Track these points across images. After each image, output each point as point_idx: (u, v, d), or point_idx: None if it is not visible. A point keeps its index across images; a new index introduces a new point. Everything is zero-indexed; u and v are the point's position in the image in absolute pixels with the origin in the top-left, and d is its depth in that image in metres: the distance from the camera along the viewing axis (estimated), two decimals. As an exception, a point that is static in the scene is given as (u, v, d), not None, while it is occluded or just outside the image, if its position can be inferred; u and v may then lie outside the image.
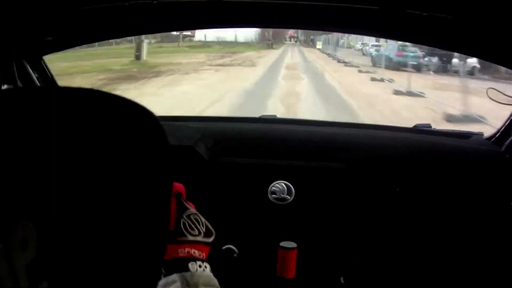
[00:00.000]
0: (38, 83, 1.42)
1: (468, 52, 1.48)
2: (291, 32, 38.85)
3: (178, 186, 0.67)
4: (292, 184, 1.37)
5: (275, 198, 1.36)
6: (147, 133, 0.42)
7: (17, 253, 0.34)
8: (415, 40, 1.55)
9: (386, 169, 1.41)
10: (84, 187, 0.37)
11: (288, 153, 1.44)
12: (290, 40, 41.18)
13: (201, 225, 0.66)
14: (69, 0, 1.07)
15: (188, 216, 0.65)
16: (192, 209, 0.67)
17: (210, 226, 0.68)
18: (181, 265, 0.62)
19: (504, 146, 1.46)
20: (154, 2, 1.14)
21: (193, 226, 0.65)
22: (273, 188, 1.37)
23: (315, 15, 1.22)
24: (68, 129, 0.37)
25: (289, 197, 1.36)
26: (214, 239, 0.69)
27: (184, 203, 0.66)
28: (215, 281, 0.64)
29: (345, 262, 1.40)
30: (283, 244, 1.24)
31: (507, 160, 1.41)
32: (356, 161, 1.41)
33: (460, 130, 1.73)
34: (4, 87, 1.25)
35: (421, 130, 1.66)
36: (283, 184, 1.37)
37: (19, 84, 1.31)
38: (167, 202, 0.50)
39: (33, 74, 1.40)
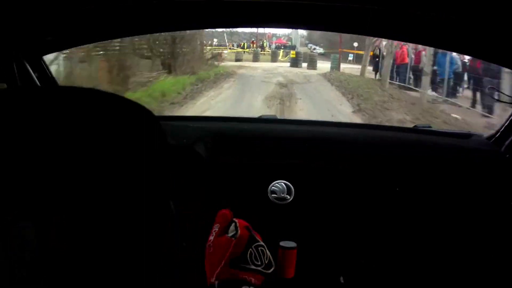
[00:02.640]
0: (38, 83, 1.42)
1: (469, 52, 1.48)
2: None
3: (242, 222, 0.80)
4: (292, 184, 1.37)
5: (275, 198, 1.36)
6: (146, 133, 0.42)
7: (16, 252, 0.34)
8: (415, 40, 1.54)
9: (386, 169, 1.41)
10: (83, 186, 0.37)
11: (288, 153, 1.44)
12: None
13: (265, 258, 0.78)
14: (69, 0, 1.07)
15: (256, 247, 0.77)
16: (261, 242, 0.79)
17: (272, 259, 0.80)
18: (236, 287, 0.73)
19: (504, 146, 1.45)
20: (154, 1, 1.13)
21: (258, 257, 0.77)
22: (273, 187, 1.37)
23: (314, 15, 1.22)
24: (68, 128, 0.37)
25: (289, 197, 1.36)
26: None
27: (254, 235, 0.78)
28: None
29: (345, 262, 1.40)
30: (283, 243, 1.24)
31: (507, 160, 1.41)
32: (356, 161, 1.41)
33: (460, 130, 1.72)
34: (4, 87, 1.25)
35: (421, 130, 1.65)
36: (283, 184, 1.37)
37: (19, 84, 1.31)
38: (167, 201, 0.50)
39: (33, 74, 1.40)
